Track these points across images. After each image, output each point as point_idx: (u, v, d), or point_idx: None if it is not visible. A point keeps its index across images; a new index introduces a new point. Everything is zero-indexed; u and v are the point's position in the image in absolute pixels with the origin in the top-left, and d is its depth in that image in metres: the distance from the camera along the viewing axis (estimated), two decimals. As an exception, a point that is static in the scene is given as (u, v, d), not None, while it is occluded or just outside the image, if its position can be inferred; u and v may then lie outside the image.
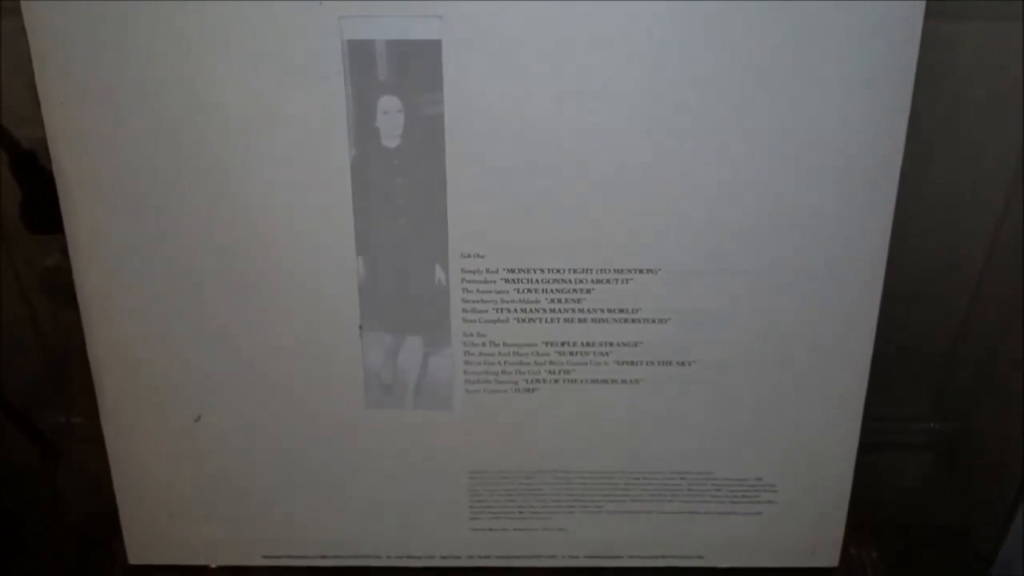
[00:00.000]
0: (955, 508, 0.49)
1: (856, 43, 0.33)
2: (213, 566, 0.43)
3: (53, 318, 0.46)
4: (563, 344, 0.38)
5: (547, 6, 0.33)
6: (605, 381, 0.39)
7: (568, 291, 0.37)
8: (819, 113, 0.34)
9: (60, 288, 0.39)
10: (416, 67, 0.33)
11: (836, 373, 0.39)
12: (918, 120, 0.35)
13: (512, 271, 0.37)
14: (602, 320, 0.38)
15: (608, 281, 0.37)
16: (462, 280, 0.37)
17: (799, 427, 0.40)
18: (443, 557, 0.42)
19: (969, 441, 0.48)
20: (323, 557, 0.43)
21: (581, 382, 0.39)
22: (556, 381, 0.39)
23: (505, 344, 0.38)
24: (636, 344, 0.38)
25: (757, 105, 0.34)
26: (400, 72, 0.34)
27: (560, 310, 0.37)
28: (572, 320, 0.38)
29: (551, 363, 0.38)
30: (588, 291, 0.37)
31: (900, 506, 0.49)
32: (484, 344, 0.38)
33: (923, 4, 0.33)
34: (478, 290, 0.37)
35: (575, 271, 0.37)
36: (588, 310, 0.37)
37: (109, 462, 0.41)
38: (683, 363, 0.38)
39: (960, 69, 0.40)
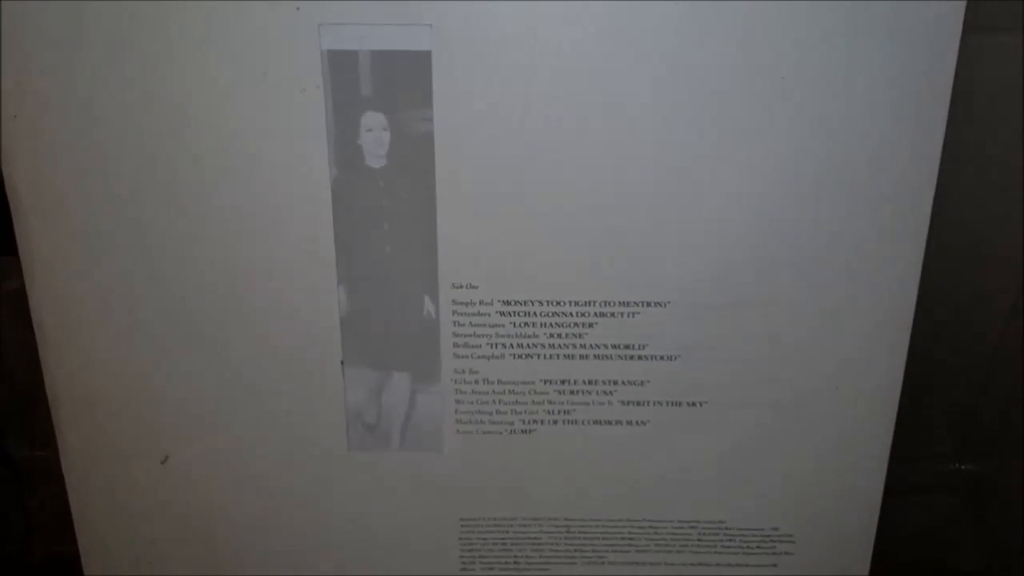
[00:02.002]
0: (977, 551, 0.48)
1: (890, 57, 0.31)
2: (182, 615, 0.42)
3: (17, 343, 0.43)
4: (563, 382, 0.37)
5: (547, 14, 0.31)
6: (609, 422, 0.37)
7: (569, 325, 0.36)
8: (846, 133, 0.32)
9: (24, 312, 0.37)
10: (403, 80, 0.32)
11: (860, 414, 0.37)
12: (954, 141, 0.33)
13: (508, 303, 0.35)
14: (606, 357, 0.36)
15: (612, 315, 0.36)
16: (453, 312, 0.36)
17: (819, 473, 0.38)
18: (431, 610, 0.41)
19: (994, 483, 0.47)
20: (300, 608, 0.41)
21: (582, 423, 0.37)
22: (555, 422, 0.37)
23: (500, 382, 0.37)
24: (642, 383, 0.37)
25: (777, 124, 0.32)
26: (386, 86, 0.32)
27: (560, 345, 0.36)
28: (573, 356, 0.36)
29: (550, 403, 0.37)
30: (590, 325, 0.36)
31: (922, 548, 0.47)
32: (477, 382, 0.37)
33: (961, 12, 0.31)
34: (471, 323, 0.36)
35: (576, 303, 0.35)
36: (590, 346, 0.36)
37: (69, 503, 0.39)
38: (693, 403, 0.37)
39: (991, 83, 0.38)
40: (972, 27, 0.31)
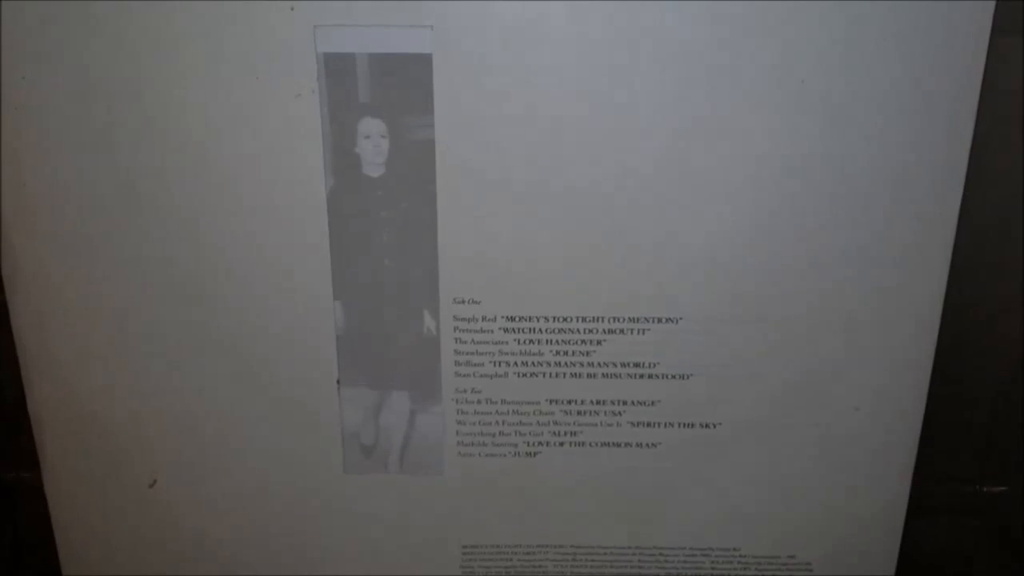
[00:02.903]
0: (1001, 574, 0.47)
1: (915, 59, 0.31)
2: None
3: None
4: (570, 402, 0.36)
5: (554, 14, 0.31)
6: (618, 444, 0.37)
7: (575, 342, 0.35)
8: (870, 140, 0.32)
9: (7, 328, 0.36)
10: (403, 85, 0.32)
11: (882, 436, 0.36)
12: (981, 148, 0.32)
13: (511, 319, 0.35)
14: (614, 375, 0.36)
15: (622, 331, 0.35)
16: (454, 329, 0.35)
17: (838, 498, 0.38)
18: (432, 641, 0.40)
19: (1017, 505, 0.46)
20: (293, 639, 0.40)
21: (590, 445, 0.37)
22: (561, 444, 0.37)
23: (503, 402, 0.36)
24: (653, 403, 0.36)
25: (796, 130, 0.32)
26: (384, 90, 0.32)
27: (566, 364, 0.36)
28: (580, 375, 0.36)
29: (556, 424, 0.37)
30: (598, 343, 0.35)
31: (944, 573, 0.46)
32: (479, 401, 0.36)
33: (990, 13, 0.30)
34: (473, 340, 0.35)
35: (583, 320, 0.35)
36: (598, 364, 0.36)
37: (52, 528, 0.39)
38: (707, 425, 0.36)
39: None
40: (1000, 29, 0.31)
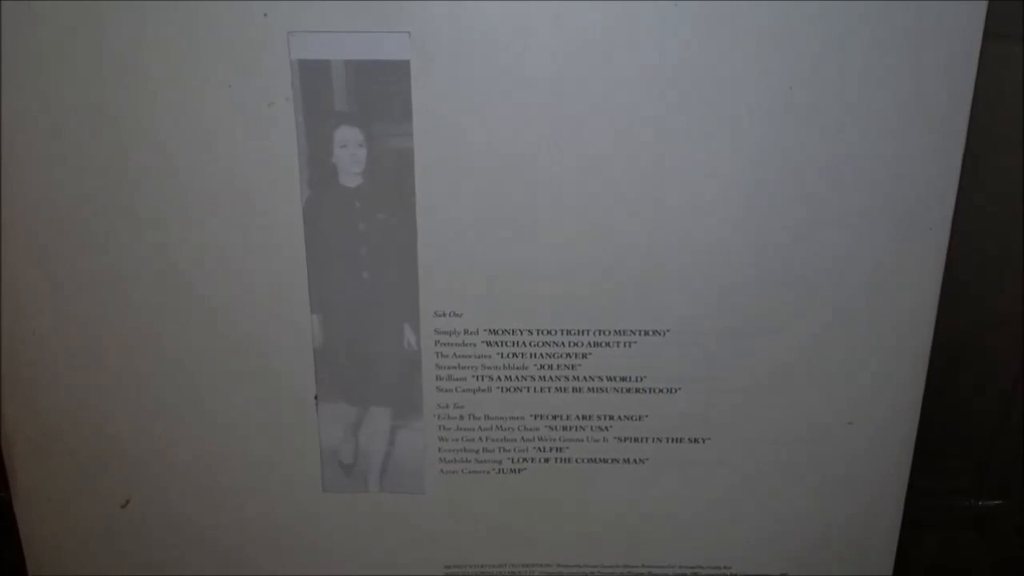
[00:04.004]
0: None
1: (906, 64, 0.31)
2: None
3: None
4: (555, 417, 0.36)
5: (539, 19, 0.30)
6: (604, 460, 0.37)
7: (561, 356, 0.35)
8: (860, 146, 0.32)
9: None
10: (380, 92, 0.31)
11: (876, 451, 0.36)
12: (973, 155, 0.32)
13: (494, 332, 0.34)
14: (600, 389, 0.35)
15: (608, 344, 0.35)
16: (436, 343, 0.35)
17: (831, 514, 0.37)
18: (414, 665, 0.40)
19: (1012, 519, 0.47)
20: (271, 665, 0.40)
21: (576, 462, 0.36)
22: (546, 460, 0.36)
23: (487, 417, 0.36)
24: (641, 417, 0.36)
25: (785, 136, 0.31)
26: (361, 98, 0.31)
27: (551, 378, 0.35)
28: (565, 389, 0.35)
29: (541, 440, 0.36)
30: (584, 356, 0.35)
31: None
32: (462, 417, 0.36)
33: (982, 17, 0.30)
34: (455, 354, 0.35)
35: (569, 332, 0.34)
36: (584, 378, 0.35)
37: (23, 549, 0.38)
38: (695, 439, 0.36)
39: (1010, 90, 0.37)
40: (993, 33, 0.30)
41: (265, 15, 0.30)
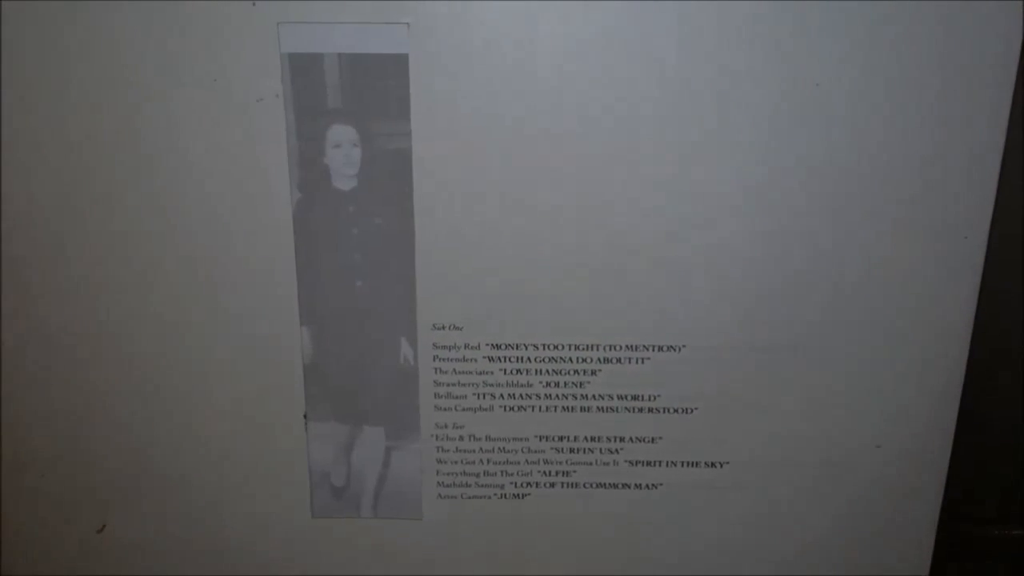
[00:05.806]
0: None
1: (942, 64, 0.30)
2: None
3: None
4: (561, 439, 0.36)
5: (545, 12, 0.30)
6: (614, 485, 0.36)
7: (568, 373, 0.34)
8: (891, 151, 0.31)
9: None
10: (376, 88, 0.31)
11: (905, 475, 0.35)
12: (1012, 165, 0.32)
13: (497, 347, 0.34)
14: (610, 409, 0.35)
15: (618, 360, 0.34)
16: (434, 358, 0.34)
17: (857, 542, 0.36)
18: None
19: None
20: None
21: (583, 486, 0.36)
22: (552, 485, 0.36)
23: (488, 438, 0.36)
24: (654, 439, 0.35)
25: (811, 137, 0.31)
26: (356, 94, 0.31)
27: (558, 396, 0.35)
28: (573, 409, 0.35)
29: (546, 462, 0.36)
30: (593, 373, 0.34)
31: None
32: (461, 438, 0.36)
33: (1021, 19, 0.29)
34: (454, 371, 0.35)
35: (577, 348, 0.34)
36: (593, 396, 0.35)
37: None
38: (712, 464, 0.36)
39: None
40: None
41: (253, 3, 0.29)
